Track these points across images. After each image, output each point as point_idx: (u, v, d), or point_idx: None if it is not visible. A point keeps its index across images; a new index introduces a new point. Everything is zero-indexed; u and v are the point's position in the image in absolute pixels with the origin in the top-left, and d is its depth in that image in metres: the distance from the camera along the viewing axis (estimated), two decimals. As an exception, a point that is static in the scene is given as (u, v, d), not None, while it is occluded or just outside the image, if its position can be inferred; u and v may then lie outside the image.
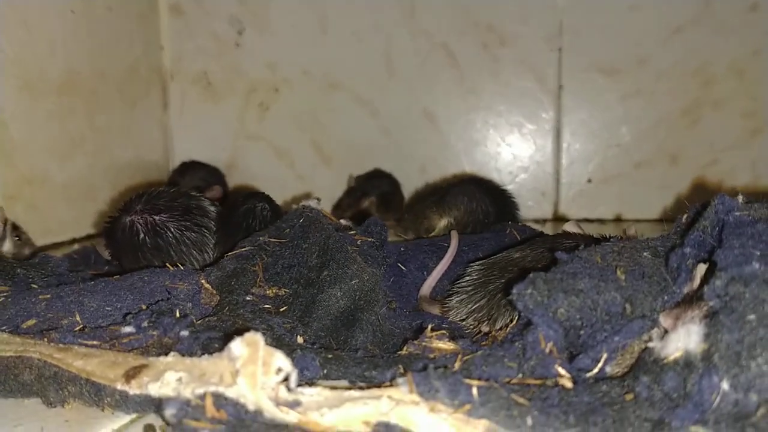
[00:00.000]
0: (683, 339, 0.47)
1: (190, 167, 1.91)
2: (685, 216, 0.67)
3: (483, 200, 1.20)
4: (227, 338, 0.63)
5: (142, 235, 0.92)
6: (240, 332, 0.63)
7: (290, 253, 0.81)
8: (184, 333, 0.61)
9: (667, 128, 1.83)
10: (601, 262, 0.59)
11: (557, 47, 1.86)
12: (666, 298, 0.56)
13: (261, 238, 0.84)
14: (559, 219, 1.88)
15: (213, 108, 2.02)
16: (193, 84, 2.02)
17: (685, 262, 0.57)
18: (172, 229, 0.93)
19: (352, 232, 0.90)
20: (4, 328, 0.68)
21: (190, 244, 0.93)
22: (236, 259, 0.80)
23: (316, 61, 1.96)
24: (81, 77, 1.61)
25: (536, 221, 1.87)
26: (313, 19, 1.94)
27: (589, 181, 1.87)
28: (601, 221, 1.85)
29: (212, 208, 1.01)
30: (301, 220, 0.86)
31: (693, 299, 0.52)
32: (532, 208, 1.90)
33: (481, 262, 0.83)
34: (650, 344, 0.50)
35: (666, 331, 0.52)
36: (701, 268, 0.55)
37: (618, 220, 1.85)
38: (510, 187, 1.87)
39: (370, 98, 1.96)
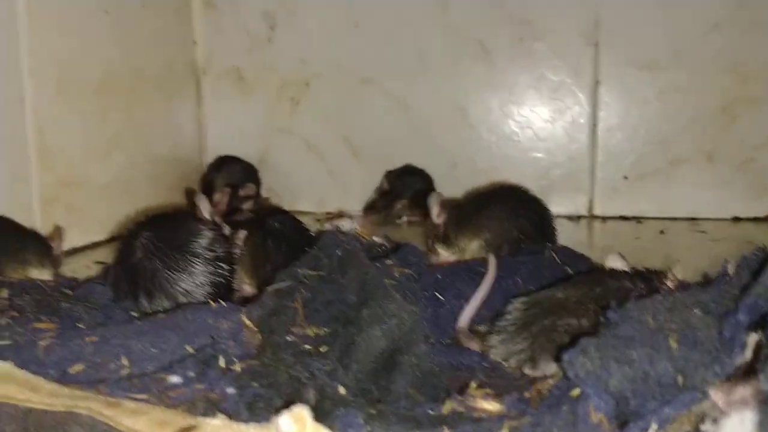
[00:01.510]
0: (738, 428, 0.47)
1: (225, 162, 1.92)
2: (733, 267, 0.66)
3: (519, 218, 1.17)
4: (272, 391, 0.63)
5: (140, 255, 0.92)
6: (284, 387, 0.63)
7: (329, 288, 0.81)
8: (230, 390, 0.61)
9: (704, 125, 1.80)
10: (653, 324, 0.58)
11: (594, 42, 1.83)
12: (718, 369, 0.55)
13: (299, 271, 0.84)
14: (594, 216, 1.86)
15: (245, 103, 2.02)
16: (226, 79, 2.02)
17: (739, 333, 0.56)
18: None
19: (389, 260, 0.89)
20: (51, 372, 0.69)
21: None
22: (276, 295, 0.80)
23: (347, 56, 1.95)
24: (117, 76, 1.62)
25: (570, 218, 1.86)
26: (344, 13, 1.93)
27: (625, 177, 1.85)
28: (636, 219, 1.82)
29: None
30: (338, 251, 0.86)
31: (746, 373, 0.52)
32: (566, 205, 1.88)
33: (523, 299, 0.82)
34: (702, 428, 0.50)
35: (717, 405, 0.51)
36: (753, 338, 0.54)
37: (653, 218, 1.83)
38: (543, 183, 1.88)
39: (401, 93, 1.94)
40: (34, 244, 1.19)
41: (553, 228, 1.20)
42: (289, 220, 1.14)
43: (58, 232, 1.26)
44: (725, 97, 1.78)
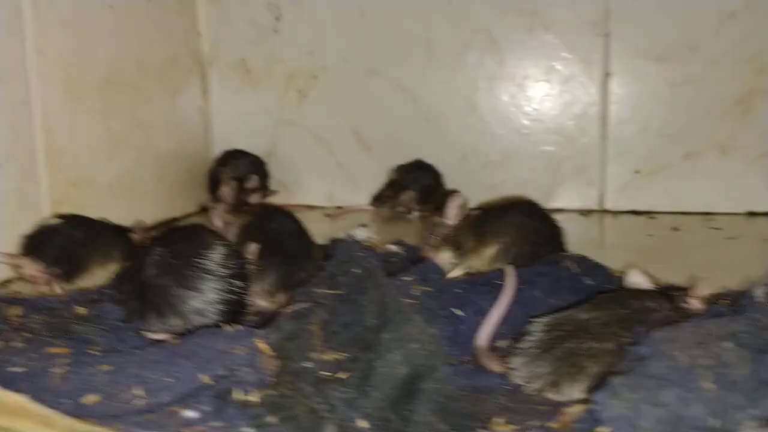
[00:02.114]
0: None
1: (231, 156, 1.90)
2: (761, 291, 0.64)
3: (532, 230, 1.15)
4: (291, 425, 0.62)
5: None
6: (303, 421, 0.62)
7: (347, 309, 0.80)
8: (248, 430, 0.60)
9: (718, 118, 1.77)
10: (685, 361, 0.57)
11: (604, 32, 1.79)
12: (755, 411, 0.53)
13: (317, 290, 0.82)
14: (605, 211, 1.84)
15: (251, 95, 2.00)
16: (232, 71, 1.99)
17: (776, 375, 0.55)
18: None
19: (408, 276, 0.88)
20: (65, 402, 0.68)
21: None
22: (293, 318, 0.78)
23: (354, 47, 1.92)
24: (123, 72, 1.60)
25: (581, 212, 1.84)
26: (351, 4, 1.90)
27: (637, 171, 1.83)
28: (648, 214, 1.80)
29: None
30: (355, 269, 0.84)
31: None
32: (576, 199, 1.86)
33: (545, 320, 0.81)
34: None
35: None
36: (792, 381, 0.53)
37: (666, 213, 1.80)
38: (554, 176, 1.86)
39: (409, 85, 1.92)
40: (118, 239, 1.28)
41: (563, 243, 1.18)
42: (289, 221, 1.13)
43: (140, 225, 1.33)
44: (740, 88, 1.74)
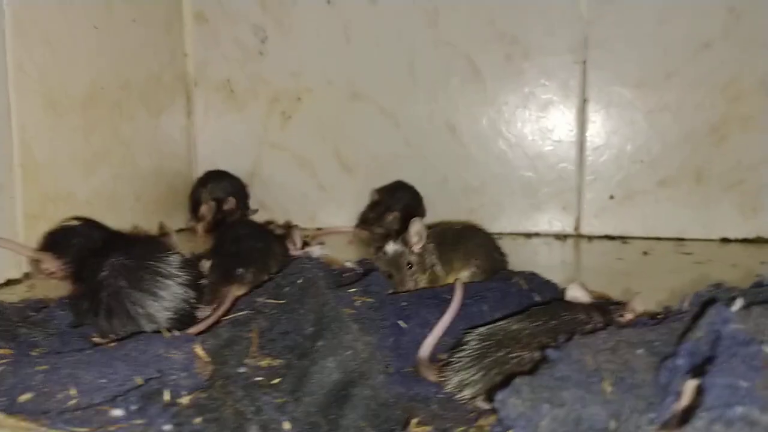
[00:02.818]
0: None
1: (211, 177, 1.92)
2: (686, 303, 0.66)
3: (494, 247, 1.19)
4: (213, 427, 0.63)
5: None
6: (228, 423, 0.63)
7: (286, 318, 0.81)
8: (167, 427, 0.61)
9: (694, 145, 1.79)
10: (591, 364, 0.58)
11: (582, 60, 1.82)
12: (652, 415, 0.55)
13: (259, 300, 0.84)
14: (580, 236, 1.86)
15: (236, 116, 2.03)
16: (217, 92, 2.02)
17: (676, 378, 0.56)
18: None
19: (352, 288, 0.89)
20: (2, 400, 0.69)
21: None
22: (232, 325, 0.80)
23: (339, 71, 1.96)
24: (105, 90, 1.62)
25: (557, 236, 1.86)
26: (336, 28, 1.93)
27: (612, 197, 1.84)
28: (622, 239, 1.82)
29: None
30: (300, 280, 0.86)
31: (681, 421, 0.51)
32: (553, 223, 1.88)
33: (481, 330, 0.82)
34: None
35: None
36: (690, 385, 0.54)
37: (639, 238, 1.82)
38: (532, 201, 1.88)
39: (392, 109, 1.94)
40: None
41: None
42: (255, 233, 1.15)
43: (165, 230, 1.40)
44: (715, 116, 1.77)
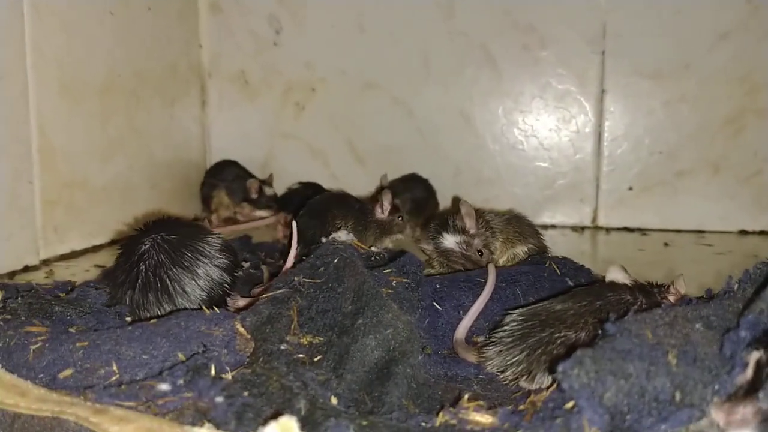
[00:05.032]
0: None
1: (224, 167, 1.91)
2: (737, 281, 0.65)
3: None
4: (262, 400, 0.62)
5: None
6: (275, 397, 0.62)
7: (324, 297, 0.80)
8: (219, 399, 0.60)
9: (711, 136, 1.78)
10: (652, 339, 0.57)
11: (600, 50, 1.81)
12: (717, 387, 0.54)
13: (295, 278, 0.83)
14: (598, 227, 1.85)
15: (250, 106, 2.02)
16: (231, 82, 2.01)
17: (740, 350, 0.55)
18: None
19: (387, 269, 0.88)
20: (41, 377, 0.68)
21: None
22: (271, 303, 0.79)
23: (352, 61, 1.94)
24: (121, 78, 1.61)
25: (574, 228, 1.85)
26: (350, 18, 1.92)
27: (630, 188, 1.83)
28: (641, 230, 1.81)
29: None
30: (335, 260, 0.85)
31: (747, 392, 0.50)
32: (570, 215, 1.87)
33: (521, 311, 0.81)
34: (702, 446, 0.49)
35: (716, 424, 0.50)
36: (755, 356, 0.53)
37: (658, 230, 1.81)
38: (548, 193, 1.87)
39: (406, 99, 1.93)
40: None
41: None
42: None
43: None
44: (733, 107, 1.76)
